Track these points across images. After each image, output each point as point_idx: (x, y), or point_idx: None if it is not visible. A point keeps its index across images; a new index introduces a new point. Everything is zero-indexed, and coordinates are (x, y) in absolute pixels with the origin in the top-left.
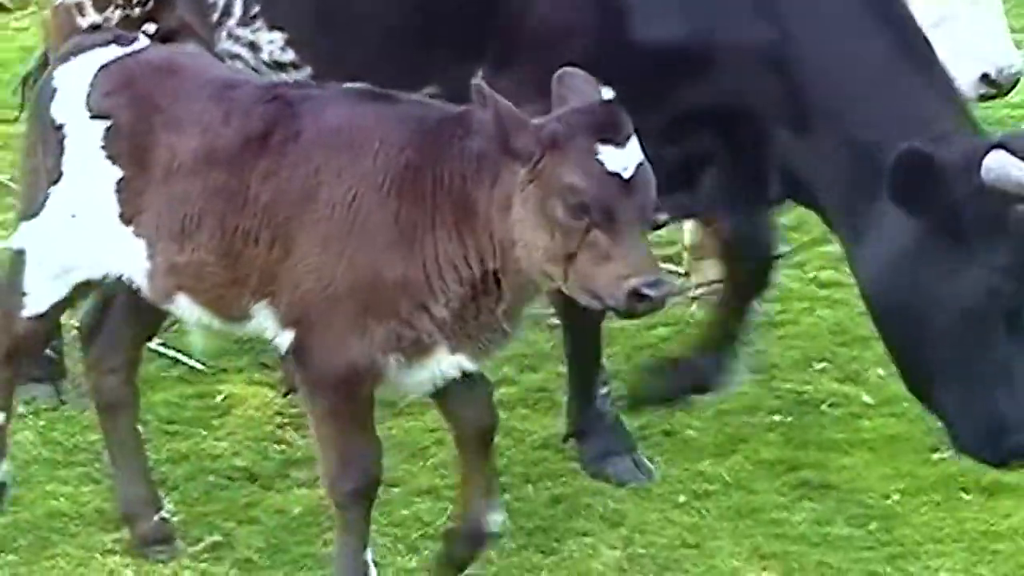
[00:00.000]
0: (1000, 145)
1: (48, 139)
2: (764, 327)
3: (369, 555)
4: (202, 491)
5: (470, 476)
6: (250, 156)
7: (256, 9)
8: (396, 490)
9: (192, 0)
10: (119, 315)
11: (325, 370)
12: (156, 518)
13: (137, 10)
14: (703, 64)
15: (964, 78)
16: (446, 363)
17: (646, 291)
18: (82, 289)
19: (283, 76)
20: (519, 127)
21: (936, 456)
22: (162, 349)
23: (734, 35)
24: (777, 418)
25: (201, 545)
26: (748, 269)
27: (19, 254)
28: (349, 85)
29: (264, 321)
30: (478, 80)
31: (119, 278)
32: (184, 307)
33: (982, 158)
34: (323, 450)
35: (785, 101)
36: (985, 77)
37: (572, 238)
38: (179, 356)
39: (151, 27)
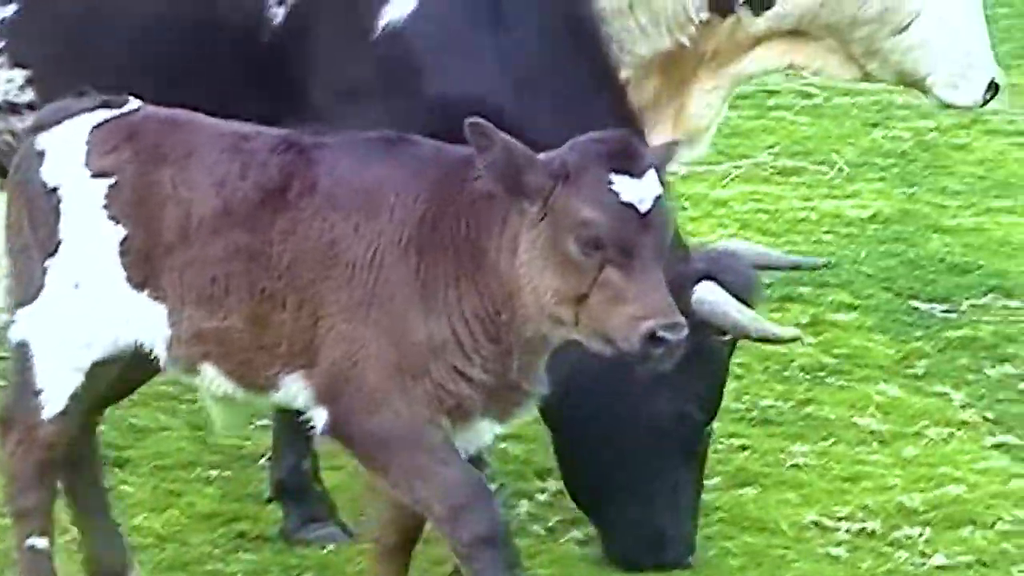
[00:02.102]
0: (708, 276)
1: (38, 207)
2: None
3: None
4: None
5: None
6: (269, 212)
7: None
8: None
9: None
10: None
11: (371, 432)
12: None
13: None
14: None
15: (976, 85)
16: (479, 428)
17: (663, 334)
18: (100, 371)
19: (12, 120)
20: (527, 162)
21: None
22: None
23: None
24: (215, 472)
25: None
26: None
27: (22, 347)
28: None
29: (294, 393)
30: (476, 119)
31: (136, 349)
32: (209, 377)
33: (691, 288)
34: (426, 510)
35: None
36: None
37: (584, 276)
38: None
39: None
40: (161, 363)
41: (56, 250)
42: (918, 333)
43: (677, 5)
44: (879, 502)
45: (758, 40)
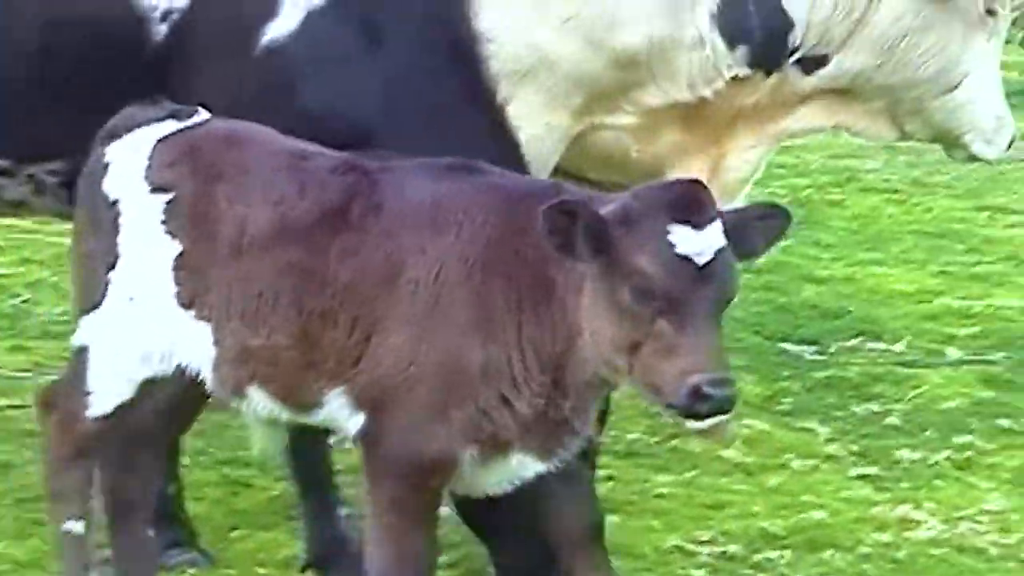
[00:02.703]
0: None
1: (101, 219)
2: None
3: None
4: None
5: None
6: (328, 231)
7: None
8: None
9: None
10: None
11: (396, 457)
12: None
13: None
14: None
15: (1005, 140)
16: (519, 463)
17: (708, 390)
18: (149, 388)
19: None
20: (603, 228)
21: None
22: None
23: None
24: None
25: None
26: None
27: (81, 351)
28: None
29: (337, 409)
30: (555, 201)
31: (184, 371)
32: (255, 399)
33: None
34: (378, 544)
35: None
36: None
37: (637, 326)
38: None
39: None
40: (208, 386)
41: (115, 263)
42: (786, 373)
43: (705, 63)
44: (741, 527)
45: (804, 98)
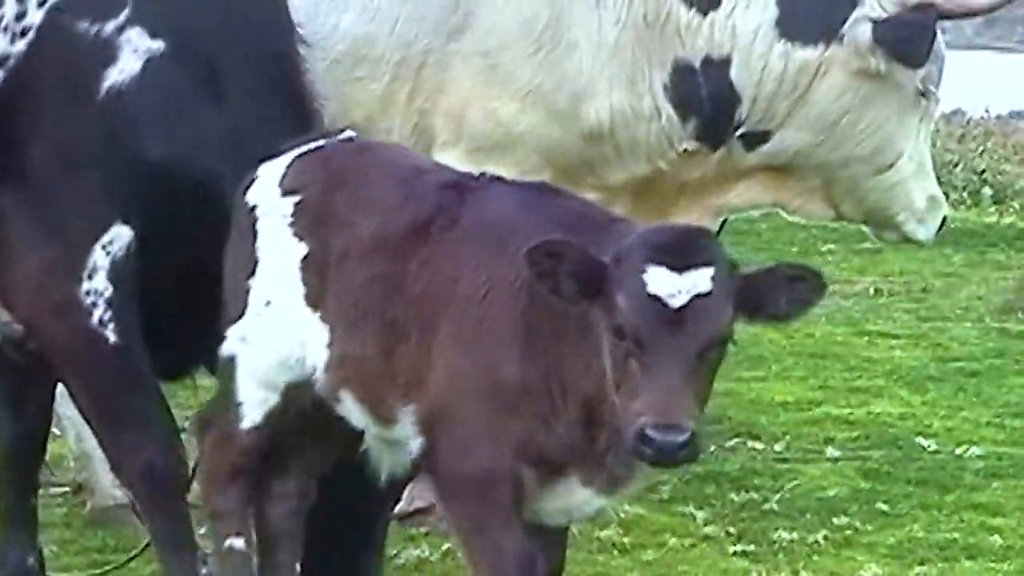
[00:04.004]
0: None
1: (242, 228)
2: None
3: None
4: None
5: None
6: (413, 243)
7: None
8: None
9: None
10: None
11: (458, 474)
12: None
13: None
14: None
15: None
16: (579, 495)
17: (652, 433)
18: (293, 394)
19: None
20: (599, 265)
21: None
22: None
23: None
24: None
25: None
26: None
27: (229, 362)
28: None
29: (408, 427)
30: (540, 241)
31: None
32: (347, 406)
33: None
34: (472, 565)
35: None
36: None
37: (617, 364)
38: None
39: None
40: (316, 387)
41: (254, 270)
42: None
43: (660, 134)
44: None
45: (744, 174)
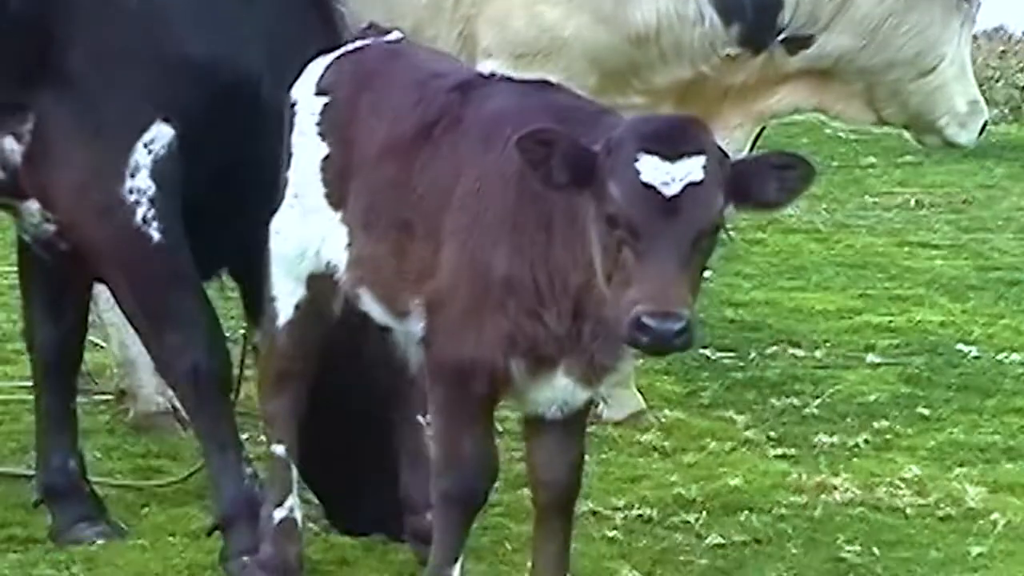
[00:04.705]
0: None
1: (287, 121)
2: None
3: (456, 571)
4: None
5: (542, 548)
6: (418, 145)
7: None
8: None
9: None
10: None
11: (441, 360)
12: None
13: None
14: None
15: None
16: (560, 383)
17: (648, 321)
18: (317, 285)
19: None
20: (590, 154)
21: None
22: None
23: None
24: None
25: None
26: None
27: (268, 255)
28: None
29: (417, 318)
30: (531, 128)
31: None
32: (366, 302)
33: None
34: (434, 449)
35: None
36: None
37: (608, 255)
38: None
39: None
40: (340, 284)
41: (289, 162)
42: (705, 374)
43: (704, 39)
44: (657, 496)
45: (787, 78)
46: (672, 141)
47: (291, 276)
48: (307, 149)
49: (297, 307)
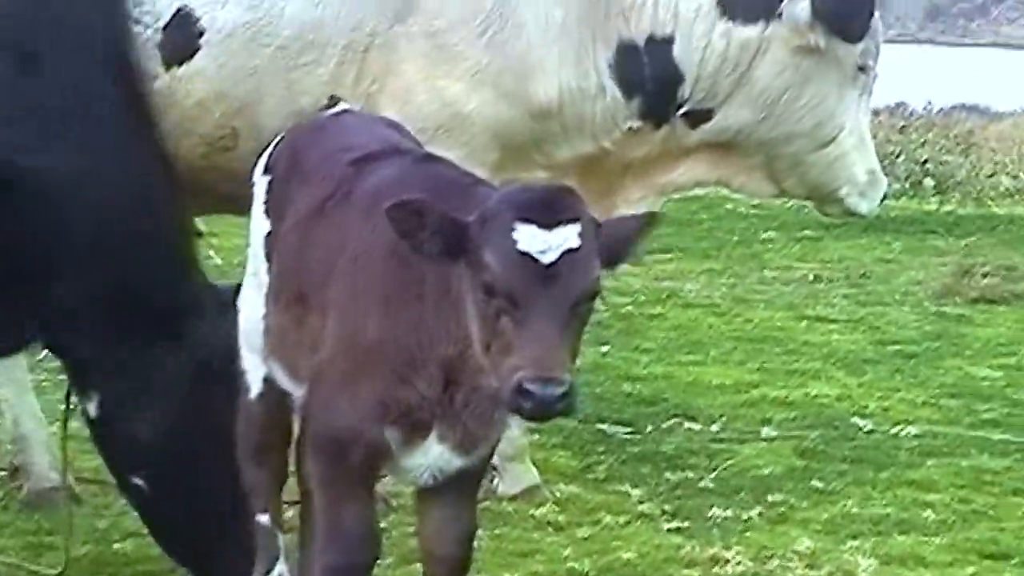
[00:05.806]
0: None
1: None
2: None
3: None
4: None
5: None
6: (314, 218)
7: None
8: None
9: None
10: None
11: (317, 431)
12: None
13: None
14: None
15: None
16: (434, 451)
17: (530, 387)
18: None
19: None
20: (463, 226)
21: None
22: None
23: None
24: None
25: None
26: None
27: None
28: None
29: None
30: (403, 199)
31: None
32: (276, 372)
33: None
34: (317, 521)
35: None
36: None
37: (485, 323)
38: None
39: None
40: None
41: (249, 242)
42: (601, 448)
43: (606, 112)
44: (550, 569)
45: (688, 152)
46: (548, 209)
47: (254, 350)
48: (258, 226)
49: (265, 380)
